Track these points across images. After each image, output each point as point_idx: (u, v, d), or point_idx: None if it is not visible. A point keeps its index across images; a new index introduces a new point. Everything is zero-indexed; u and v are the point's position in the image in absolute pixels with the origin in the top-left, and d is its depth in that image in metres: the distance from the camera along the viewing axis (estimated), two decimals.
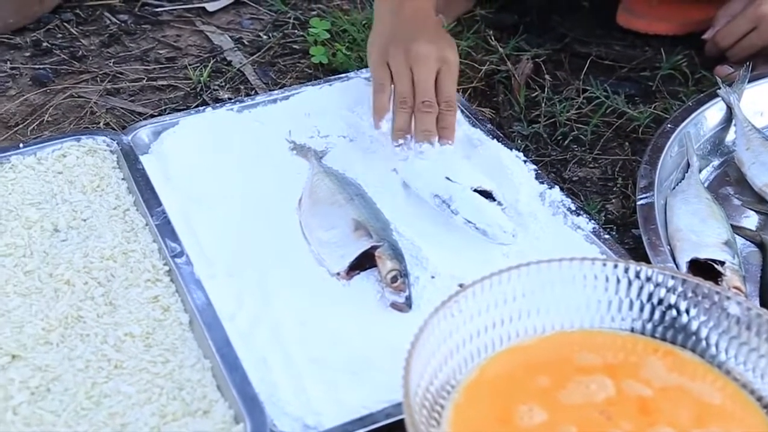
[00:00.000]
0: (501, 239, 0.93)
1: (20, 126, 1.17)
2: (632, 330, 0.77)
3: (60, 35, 1.37)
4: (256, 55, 1.33)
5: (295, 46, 1.35)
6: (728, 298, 0.73)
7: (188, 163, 1.07)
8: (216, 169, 1.06)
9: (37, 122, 1.17)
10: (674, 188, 1.01)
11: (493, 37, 1.28)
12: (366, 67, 1.24)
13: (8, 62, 1.29)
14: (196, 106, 1.19)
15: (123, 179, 1.03)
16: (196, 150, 1.09)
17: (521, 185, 1.01)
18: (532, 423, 0.70)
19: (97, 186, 1.02)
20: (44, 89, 1.23)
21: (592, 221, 0.96)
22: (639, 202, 0.94)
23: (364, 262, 0.92)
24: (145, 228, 0.96)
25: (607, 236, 0.94)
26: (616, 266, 0.77)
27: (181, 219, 0.98)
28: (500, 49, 1.26)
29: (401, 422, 0.76)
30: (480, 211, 0.95)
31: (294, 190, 1.04)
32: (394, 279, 0.88)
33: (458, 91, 1.19)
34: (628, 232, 0.99)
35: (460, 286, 0.89)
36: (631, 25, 1.33)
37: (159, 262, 0.92)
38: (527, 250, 0.93)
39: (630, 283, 0.76)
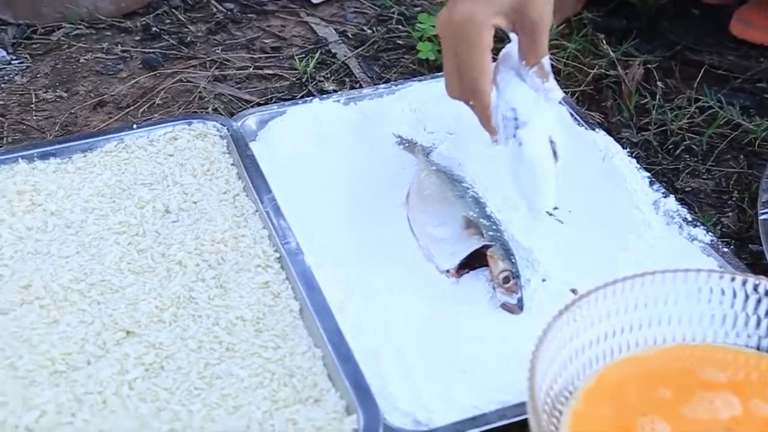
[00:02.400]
0: (538, 209, 0.92)
1: (131, 108, 1.18)
2: (758, 348, 0.75)
3: (168, 21, 1.39)
4: (361, 48, 1.33)
5: (399, 41, 1.35)
6: None
7: (295, 152, 1.07)
8: (322, 159, 1.07)
9: (148, 105, 1.19)
10: None
11: (603, 41, 1.26)
12: None
13: (119, 45, 1.32)
14: (302, 97, 1.20)
15: (232, 164, 1.04)
16: (302, 140, 1.09)
17: (635, 192, 0.99)
18: None
19: (207, 170, 1.03)
20: (154, 73, 1.25)
21: (710, 233, 0.93)
22: (761, 217, 0.91)
23: (473, 261, 0.91)
24: (255, 214, 0.97)
25: (725, 249, 0.92)
26: (744, 282, 0.74)
27: (290, 207, 0.98)
28: (611, 53, 1.24)
29: (512, 425, 0.76)
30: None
31: (400, 184, 1.03)
32: (506, 280, 0.87)
33: (566, 93, 1.18)
34: (746, 247, 0.96)
35: (573, 291, 0.88)
36: (746, 35, 1.29)
37: (269, 248, 0.92)
38: (642, 259, 0.91)
39: (759, 300, 0.74)
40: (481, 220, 0.93)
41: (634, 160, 1.04)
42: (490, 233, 0.91)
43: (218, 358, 0.81)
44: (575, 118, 1.11)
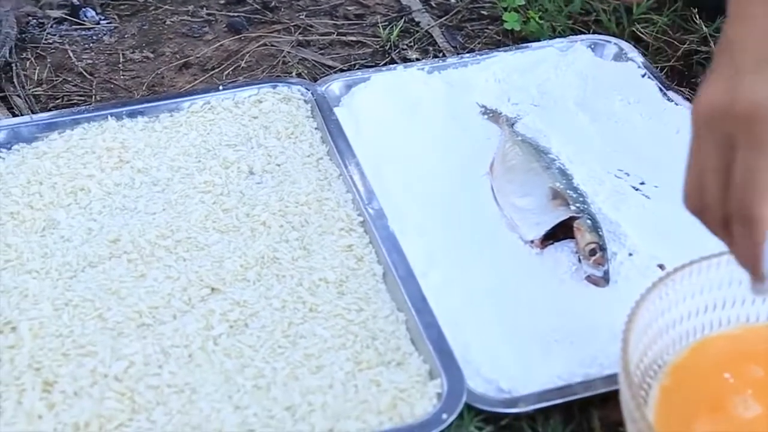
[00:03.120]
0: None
1: (216, 70, 1.19)
2: None
3: None
4: (444, 18, 1.32)
5: (483, 12, 1.33)
6: None
7: (378, 118, 1.07)
8: (406, 127, 1.06)
9: (232, 67, 1.20)
10: None
11: (695, 16, 1.22)
12: (559, 36, 1.21)
13: (204, 8, 1.32)
14: (385, 64, 1.19)
15: (316, 128, 1.04)
16: (386, 107, 1.09)
17: None
18: (746, 415, 0.66)
19: (291, 133, 1.03)
20: (239, 36, 1.26)
21: None
22: None
23: (558, 233, 0.90)
24: (339, 178, 0.97)
25: None
26: None
27: (373, 173, 0.97)
28: (703, 28, 1.20)
29: (595, 398, 0.75)
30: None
31: (484, 154, 1.02)
32: (593, 252, 0.86)
33: (656, 67, 1.15)
34: None
35: (660, 266, 0.87)
36: None
37: (353, 212, 0.92)
38: None
39: None
40: (568, 191, 0.92)
41: None
42: (577, 205, 0.90)
43: (302, 318, 0.81)
44: (664, 93, 1.09)
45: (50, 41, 1.25)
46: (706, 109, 0.57)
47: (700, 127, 0.60)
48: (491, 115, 1.08)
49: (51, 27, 1.27)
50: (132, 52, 1.23)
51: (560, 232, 0.90)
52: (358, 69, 1.17)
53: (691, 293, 0.72)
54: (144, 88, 1.16)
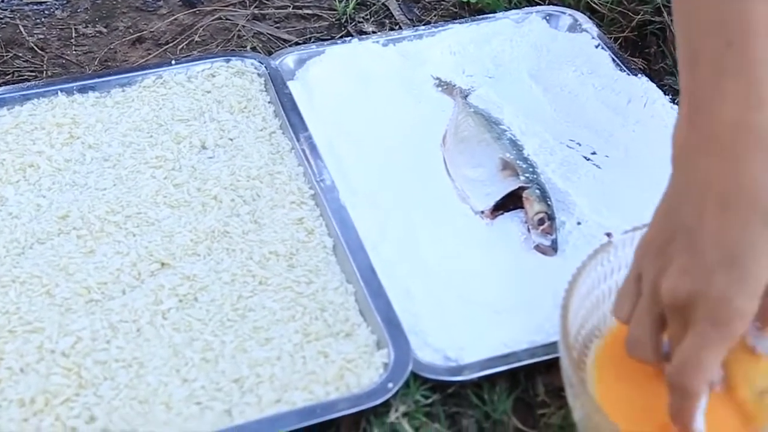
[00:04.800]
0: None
1: (170, 45, 1.18)
2: None
3: None
4: None
5: None
6: None
7: (333, 92, 1.06)
8: (360, 100, 1.06)
9: (186, 42, 1.19)
10: None
11: None
12: (515, 7, 1.21)
13: None
14: (340, 38, 1.19)
15: (270, 102, 1.04)
16: (340, 80, 1.08)
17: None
18: None
19: (244, 107, 1.03)
20: (193, 10, 1.25)
21: None
22: None
23: (508, 203, 0.91)
24: (291, 151, 0.97)
25: None
26: None
27: (326, 146, 0.98)
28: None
29: (540, 364, 0.75)
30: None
31: (438, 126, 1.03)
32: (541, 221, 0.86)
33: (610, 38, 1.16)
34: None
35: (608, 234, 0.87)
36: None
37: (304, 185, 0.92)
38: None
39: None
40: (518, 162, 0.92)
41: (675, 106, 1.02)
42: (527, 175, 0.91)
43: (251, 291, 0.81)
44: (617, 64, 1.09)
45: (0, 16, 1.23)
46: (673, 293, 0.59)
47: (663, 301, 0.61)
48: (445, 87, 1.08)
49: (1, 2, 1.25)
50: (85, 27, 1.22)
51: (510, 203, 0.91)
52: (313, 42, 1.17)
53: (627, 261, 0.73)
54: (96, 63, 1.15)
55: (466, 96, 1.06)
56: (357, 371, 0.73)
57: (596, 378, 0.66)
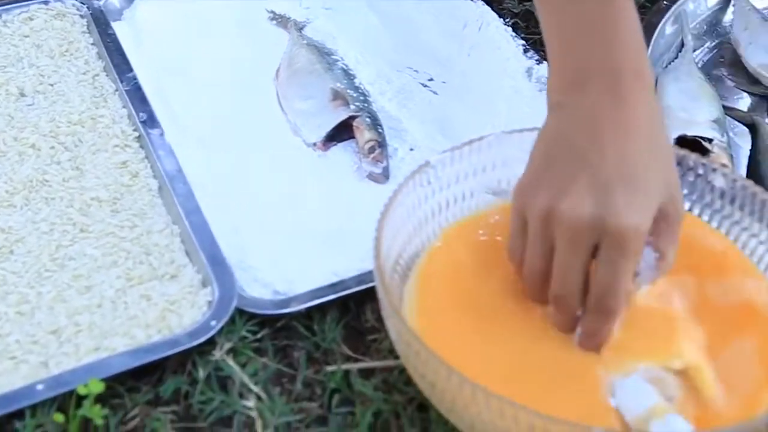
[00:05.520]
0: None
1: None
2: None
3: None
4: None
5: None
6: (714, 170, 0.71)
7: (162, 30, 1.02)
8: (191, 37, 1.02)
9: None
10: (666, 67, 0.97)
11: None
12: None
13: None
14: None
15: (93, 44, 0.99)
16: (170, 18, 1.04)
17: (508, 60, 0.98)
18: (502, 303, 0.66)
19: (65, 50, 0.98)
20: None
21: None
22: None
23: (342, 133, 0.89)
24: (115, 93, 0.92)
25: None
26: None
27: (154, 87, 0.94)
28: None
29: (370, 290, 0.75)
30: None
31: (272, 61, 1.00)
32: (371, 149, 0.85)
33: None
34: None
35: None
36: None
37: (128, 128, 0.88)
38: (513, 124, 0.90)
39: None
40: (348, 91, 0.91)
41: (510, 29, 1.01)
42: (357, 104, 0.89)
43: (71, 239, 0.78)
44: None
45: None
46: (574, 222, 0.58)
47: (561, 231, 0.59)
48: (279, 20, 1.05)
49: None
50: None
51: (344, 133, 0.89)
52: None
53: (455, 179, 0.72)
54: None
55: (301, 28, 1.03)
56: (180, 312, 0.71)
57: (416, 299, 0.66)
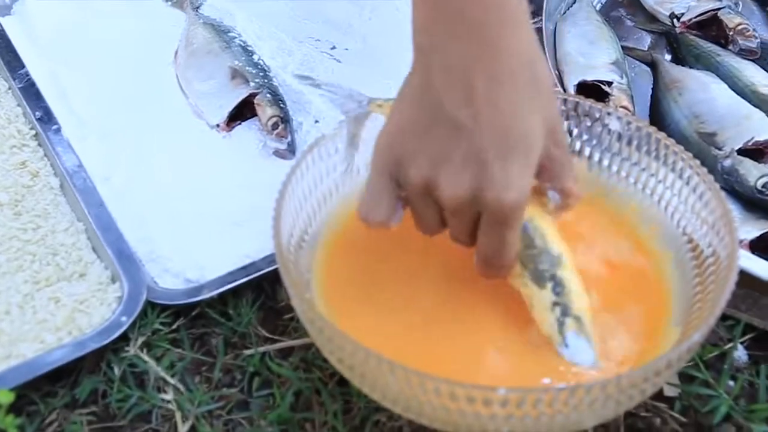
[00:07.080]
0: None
1: None
2: None
3: None
4: None
5: None
6: (609, 114, 0.71)
7: (55, 22, 0.99)
8: (86, 26, 0.99)
9: None
10: (564, 13, 0.97)
11: None
12: None
13: None
14: None
15: None
16: (63, 8, 1.01)
17: (408, 21, 0.96)
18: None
19: None
20: None
21: None
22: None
23: (245, 112, 0.88)
24: (8, 92, 0.90)
25: None
26: None
27: (49, 81, 0.91)
28: None
29: None
30: None
31: (170, 43, 0.97)
32: (275, 125, 0.84)
33: None
34: None
35: None
36: None
37: (25, 126, 0.86)
38: None
39: None
40: (247, 68, 0.89)
41: None
42: (257, 80, 0.88)
43: None
44: None
45: None
46: (454, 198, 0.56)
47: (443, 202, 0.57)
48: (175, 1, 1.03)
49: None
50: None
51: (247, 111, 0.88)
52: None
53: None
54: None
55: (198, 7, 1.01)
56: (89, 311, 0.70)
57: (322, 272, 0.66)
